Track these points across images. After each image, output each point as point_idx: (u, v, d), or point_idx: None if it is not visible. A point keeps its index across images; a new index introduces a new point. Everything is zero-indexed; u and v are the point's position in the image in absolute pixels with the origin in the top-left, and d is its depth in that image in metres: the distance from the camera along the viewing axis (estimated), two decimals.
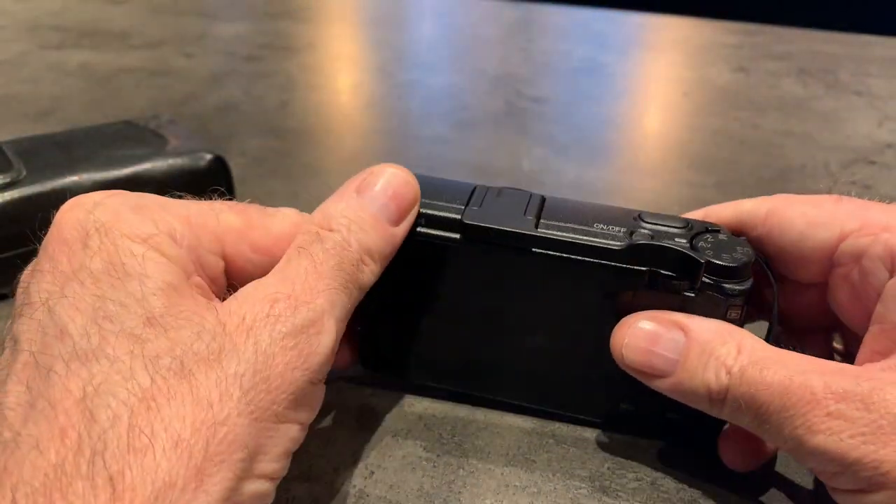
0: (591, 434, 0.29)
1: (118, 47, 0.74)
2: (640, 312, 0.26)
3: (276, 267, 0.22)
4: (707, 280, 0.24)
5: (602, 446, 0.28)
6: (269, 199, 0.28)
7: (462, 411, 0.30)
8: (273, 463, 0.20)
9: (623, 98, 0.69)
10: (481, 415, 0.30)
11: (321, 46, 0.81)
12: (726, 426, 0.27)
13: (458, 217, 0.26)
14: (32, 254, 0.22)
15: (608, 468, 0.27)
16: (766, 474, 0.27)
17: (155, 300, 0.20)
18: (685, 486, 0.27)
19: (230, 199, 0.25)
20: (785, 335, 0.29)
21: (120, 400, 0.18)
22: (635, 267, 0.25)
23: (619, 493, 0.26)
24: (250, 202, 0.25)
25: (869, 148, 0.55)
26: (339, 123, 0.62)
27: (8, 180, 0.34)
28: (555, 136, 0.58)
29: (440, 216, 0.26)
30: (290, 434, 0.21)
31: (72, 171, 0.36)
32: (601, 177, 0.51)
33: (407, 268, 0.26)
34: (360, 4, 1.02)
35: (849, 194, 0.26)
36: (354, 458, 0.27)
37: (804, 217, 0.25)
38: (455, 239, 0.26)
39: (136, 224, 0.21)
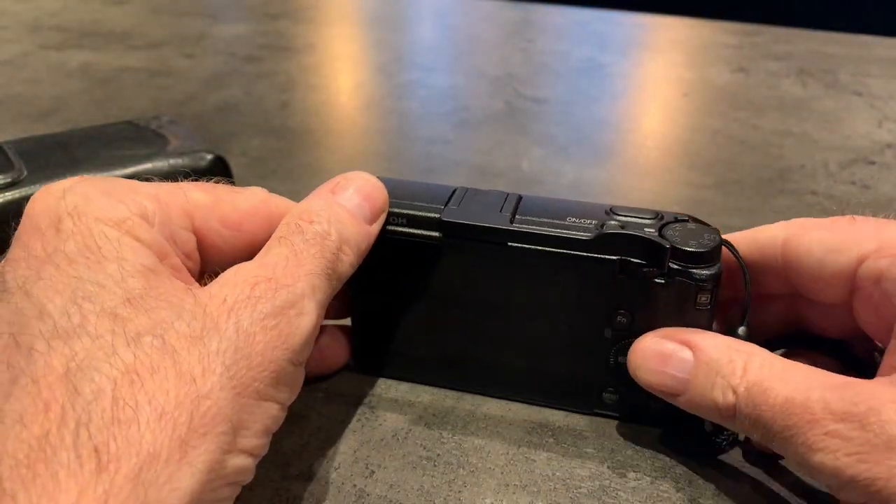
0: (591, 434, 0.29)
1: (119, 48, 0.74)
2: (652, 332, 0.26)
3: (258, 255, 0.23)
4: (675, 266, 0.25)
5: (602, 446, 0.28)
6: None
7: (463, 411, 0.30)
8: (254, 439, 0.20)
9: (623, 98, 0.69)
10: (481, 414, 0.30)
11: (321, 47, 0.81)
12: None
13: (438, 216, 0.27)
14: None
15: (608, 468, 0.27)
16: (766, 474, 0.27)
17: (133, 282, 0.20)
18: (685, 486, 0.27)
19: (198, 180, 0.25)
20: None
21: (103, 374, 0.18)
22: (606, 256, 0.26)
23: (619, 493, 0.26)
24: (217, 181, 0.26)
25: (868, 148, 0.55)
26: (340, 123, 0.62)
27: (9, 180, 0.35)
28: (555, 136, 0.58)
29: (420, 216, 0.27)
30: (270, 412, 0.21)
31: (73, 172, 0.36)
32: (601, 177, 0.51)
33: (392, 268, 0.28)
34: (360, 4, 1.02)
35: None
36: (354, 458, 0.27)
37: (821, 244, 0.25)
38: (435, 237, 0.27)
39: (108, 208, 0.21)
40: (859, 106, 0.63)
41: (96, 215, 0.21)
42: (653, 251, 0.25)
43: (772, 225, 0.27)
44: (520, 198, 0.28)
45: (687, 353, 0.25)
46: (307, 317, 0.22)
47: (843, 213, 0.26)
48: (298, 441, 0.28)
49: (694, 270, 0.25)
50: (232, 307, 0.20)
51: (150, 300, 0.20)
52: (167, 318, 0.20)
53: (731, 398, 0.23)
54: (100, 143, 0.39)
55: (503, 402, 0.30)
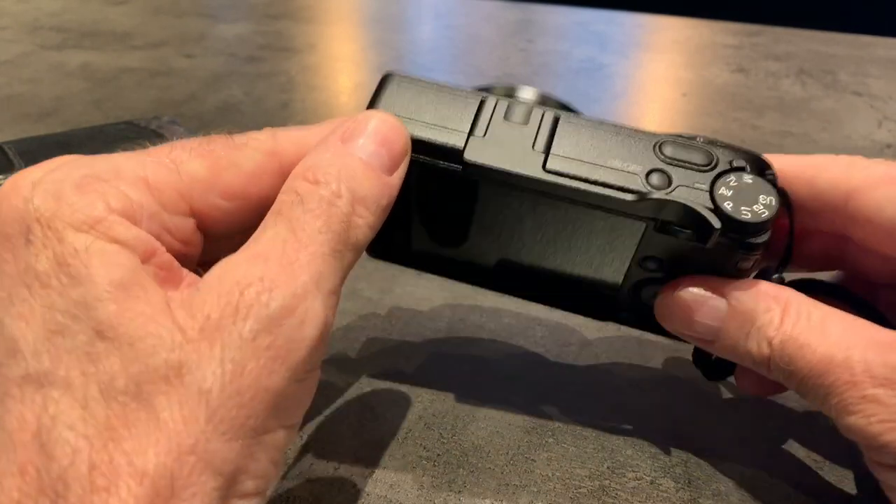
0: (591, 433, 0.29)
1: (119, 48, 0.74)
2: (682, 278, 0.25)
3: (251, 238, 0.20)
4: (722, 234, 0.23)
5: (602, 446, 0.28)
6: None
7: (462, 411, 0.30)
8: (257, 479, 0.18)
9: (623, 98, 0.69)
10: (481, 414, 0.30)
11: (322, 47, 0.81)
12: None
13: (461, 148, 0.23)
14: None
15: (608, 468, 0.27)
16: (766, 475, 0.27)
17: (102, 308, 0.17)
18: (685, 486, 0.27)
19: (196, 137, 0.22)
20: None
21: (78, 432, 0.16)
22: (647, 217, 0.23)
23: (619, 493, 0.26)
24: (215, 133, 0.22)
25: (868, 148, 0.55)
26: None
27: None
28: None
29: (441, 145, 0.23)
30: (275, 443, 0.18)
31: None
32: None
33: (409, 178, 0.24)
34: (360, 4, 1.02)
35: None
36: (354, 458, 0.27)
37: (894, 204, 0.23)
38: (457, 168, 0.24)
39: (82, 207, 0.18)
40: (859, 106, 0.63)
41: (66, 219, 0.18)
42: (701, 225, 0.22)
43: (833, 162, 0.25)
44: (557, 120, 0.24)
45: (720, 302, 0.24)
46: (311, 323, 0.18)
47: None
48: (298, 441, 0.28)
49: (743, 240, 0.23)
50: (216, 327, 0.17)
51: (122, 329, 0.17)
52: (141, 355, 0.17)
53: (765, 350, 0.23)
54: (100, 143, 0.39)
55: (503, 403, 0.30)
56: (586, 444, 0.28)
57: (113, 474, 0.16)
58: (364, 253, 0.26)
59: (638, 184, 0.23)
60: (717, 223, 0.22)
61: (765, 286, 0.24)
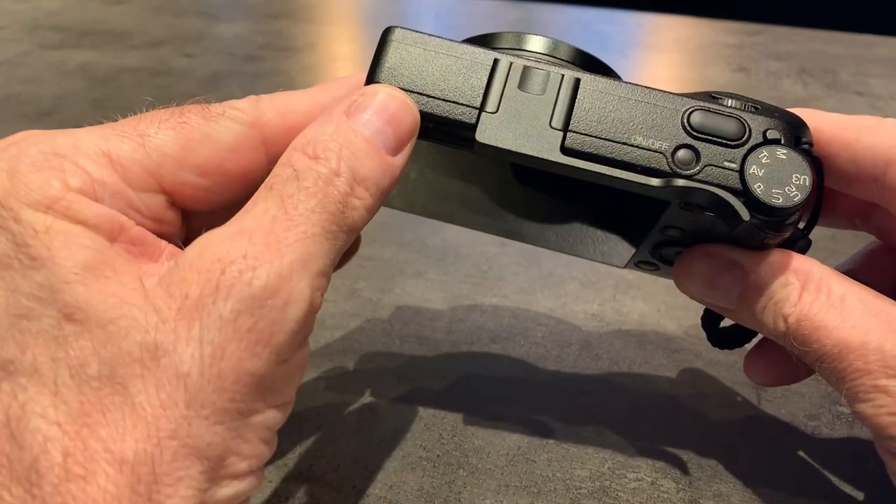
0: (591, 434, 0.29)
1: (118, 47, 0.74)
2: (697, 248, 0.24)
3: (239, 212, 0.18)
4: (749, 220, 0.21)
5: (602, 446, 0.28)
6: None
7: (462, 411, 0.30)
8: (249, 459, 0.17)
9: None
10: (481, 414, 0.30)
11: (321, 46, 0.81)
12: (755, 340, 0.27)
13: (473, 123, 0.21)
14: None
15: (608, 468, 0.27)
16: (767, 475, 0.27)
17: (69, 291, 0.16)
18: (685, 486, 0.27)
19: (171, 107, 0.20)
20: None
21: (49, 420, 0.16)
22: (670, 200, 0.22)
23: (619, 493, 0.26)
24: (193, 101, 0.21)
25: None
26: None
27: None
28: None
29: (451, 119, 0.21)
30: (264, 423, 0.18)
31: None
32: None
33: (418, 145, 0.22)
34: (360, 4, 1.02)
35: None
36: (354, 458, 0.27)
37: None
38: (468, 142, 0.21)
39: (38, 186, 0.17)
40: (860, 106, 0.63)
41: (22, 199, 0.17)
42: (728, 214, 0.21)
43: (876, 125, 0.23)
44: (576, 87, 0.21)
45: (737, 273, 0.23)
46: (296, 304, 0.17)
47: None
48: (297, 441, 0.28)
49: (771, 220, 0.21)
50: (195, 306, 0.16)
51: (92, 312, 0.16)
52: (113, 337, 0.16)
53: (781, 326, 0.22)
54: None
55: (503, 403, 0.30)
56: (586, 444, 0.28)
57: (89, 461, 0.15)
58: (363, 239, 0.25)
59: (664, 164, 0.21)
60: (746, 215, 0.20)
61: (786, 257, 0.22)
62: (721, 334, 0.28)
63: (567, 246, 0.29)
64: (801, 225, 0.24)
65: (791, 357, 0.23)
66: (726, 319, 0.27)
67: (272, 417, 0.18)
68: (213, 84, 0.65)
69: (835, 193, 0.25)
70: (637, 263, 0.28)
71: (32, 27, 0.80)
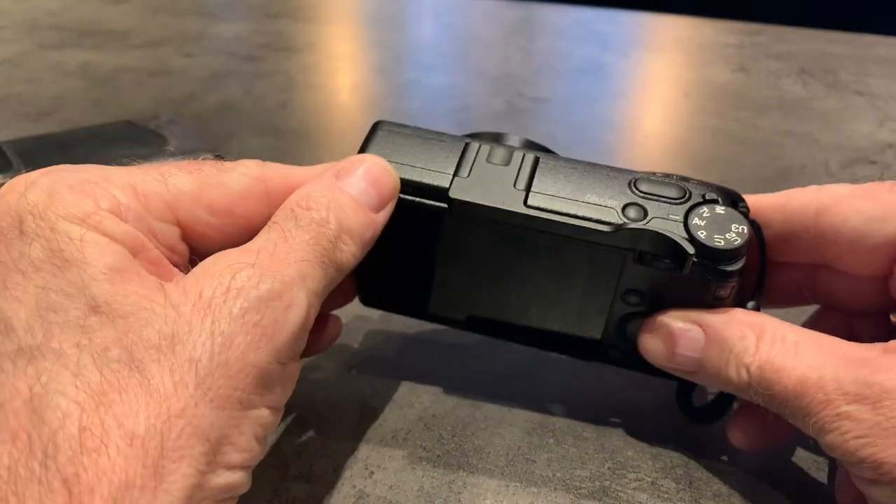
0: (591, 434, 0.29)
1: (118, 47, 0.74)
2: (660, 313, 0.26)
3: (245, 244, 0.21)
4: (698, 262, 0.24)
5: (602, 446, 0.28)
6: None
7: (462, 411, 0.30)
8: (242, 452, 0.19)
9: (623, 98, 0.68)
10: (481, 415, 0.29)
11: (321, 46, 0.81)
12: (736, 406, 0.28)
13: (446, 187, 0.25)
14: None
15: (608, 468, 0.27)
16: (767, 476, 0.27)
17: (97, 287, 0.18)
18: (685, 487, 0.27)
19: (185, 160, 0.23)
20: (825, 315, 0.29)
21: (69, 398, 0.17)
22: (624, 247, 0.25)
23: (619, 493, 0.26)
24: (205, 159, 0.24)
25: (869, 148, 0.55)
26: (339, 123, 0.62)
27: (7, 180, 0.34)
28: (555, 136, 0.58)
29: (428, 185, 0.25)
30: (259, 419, 0.20)
31: None
32: None
33: (397, 225, 0.26)
34: (360, 4, 1.02)
35: None
36: (354, 458, 0.27)
37: (859, 214, 0.24)
38: (443, 207, 0.25)
39: (73, 203, 0.20)
40: (861, 106, 0.63)
41: (59, 213, 0.19)
42: (676, 252, 0.24)
43: (803, 190, 0.26)
44: (536, 161, 0.26)
45: (698, 333, 0.25)
46: (296, 309, 0.20)
47: None
48: (297, 441, 0.28)
49: (718, 267, 0.24)
50: (208, 304, 0.19)
51: (116, 305, 0.18)
52: (135, 326, 0.18)
53: (745, 376, 0.23)
54: (99, 142, 0.39)
55: (503, 403, 0.30)
56: (587, 444, 0.28)
57: (103, 436, 0.17)
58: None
59: (614, 216, 0.24)
60: (690, 248, 0.23)
61: (740, 313, 0.25)
62: (697, 409, 0.29)
63: (537, 338, 0.30)
64: (745, 282, 0.26)
65: (768, 418, 0.24)
66: (697, 390, 0.29)
67: (266, 417, 0.20)
68: (212, 84, 0.65)
69: (778, 268, 0.27)
70: (608, 350, 0.29)
71: (32, 27, 0.80)
